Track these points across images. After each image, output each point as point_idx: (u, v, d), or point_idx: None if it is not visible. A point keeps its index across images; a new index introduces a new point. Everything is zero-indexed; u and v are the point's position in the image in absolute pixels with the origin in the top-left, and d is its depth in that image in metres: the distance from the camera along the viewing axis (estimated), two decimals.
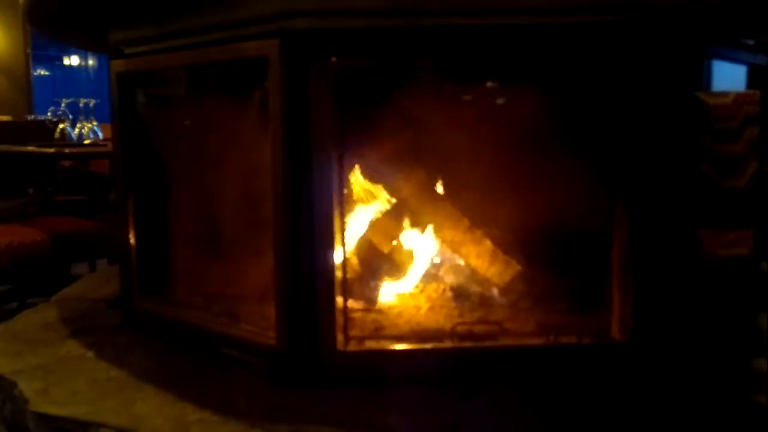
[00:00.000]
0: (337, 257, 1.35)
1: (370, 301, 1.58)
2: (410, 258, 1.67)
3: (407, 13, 1.30)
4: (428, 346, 1.40)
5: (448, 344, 1.41)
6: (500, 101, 1.66)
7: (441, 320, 1.50)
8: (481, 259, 1.62)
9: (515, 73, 1.53)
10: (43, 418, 1.26)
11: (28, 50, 5.68)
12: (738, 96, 1.45)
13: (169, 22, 1.58)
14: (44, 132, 3.80)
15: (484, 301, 1.59)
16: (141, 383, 1.38)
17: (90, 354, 1.56)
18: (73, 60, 11.36)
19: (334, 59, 1.30)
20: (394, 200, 1.68)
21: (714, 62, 1.53)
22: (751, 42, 1.59)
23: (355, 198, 1.67)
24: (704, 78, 1.50)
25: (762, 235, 1.16)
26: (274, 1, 1.33)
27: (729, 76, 1.59)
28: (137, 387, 1.36)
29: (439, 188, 1.65)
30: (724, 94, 1.45)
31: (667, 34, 1.30)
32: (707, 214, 1.42)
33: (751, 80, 1.69)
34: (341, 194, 1.36)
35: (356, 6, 1.30)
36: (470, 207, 1.62)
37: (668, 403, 1.25)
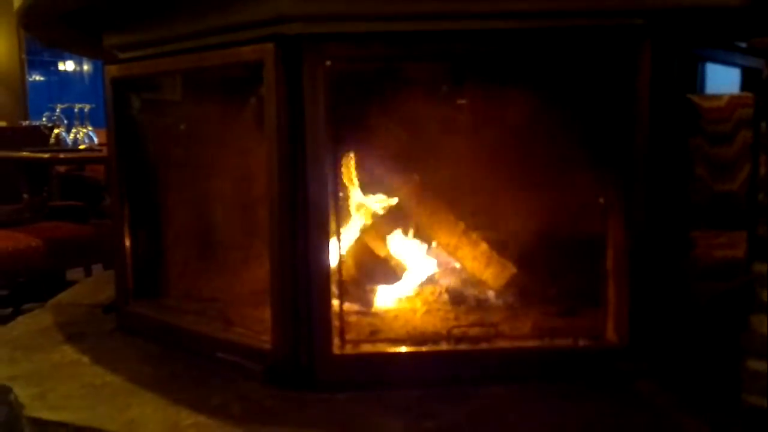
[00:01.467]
0: (333, 260, 1.35)
1: (366, 304, 1.58)
2: (406, 261, 1.67)
3: (399, 18, 1.31)
4: (424, 349, 1.40)
5: (444, 347, 1.41)
6: (496, 105, 1.66)
7: (437, 323, 1.50)
8: (476, 262, 1.62)
9: (511, 76, 1.54)
10: (39, 423, 1.26)
11: (23, 56, 5.66)
12: (731, 98, 1.45)
13: (164, 28, 1.58)
14: (39, 137, 3.78)
15: (480, 304, 1.59)
16: (136, 388, 1.38)
17: (85, 359, 1.55)
18: (68, 65, 11.33)
19: (328, 62, 1.31)
20: (389, 203, 1.68)
21: (708, 65, 1.54)
22: (743, 45, 1.60)
23: (351, 201, 1.66)
24: (698, 81, 1.50)
25: (756, 237, 1.17)
26: (269, 6, 1.33)
27: (723, 79, 1.60)
28: (132, 392, 1.36)
29: (435, 191, 1.65)
30: (717, 96, 1.46)
31: (661, 37, 1.31)
32: (701, 216, 1.43)
33: (745, 83, 1.70)
34: (337, 197, 1.36)
35: (349, 11, 1.31)
36: (466, 210, 1.62)
37: (663, 403, 1.25)
